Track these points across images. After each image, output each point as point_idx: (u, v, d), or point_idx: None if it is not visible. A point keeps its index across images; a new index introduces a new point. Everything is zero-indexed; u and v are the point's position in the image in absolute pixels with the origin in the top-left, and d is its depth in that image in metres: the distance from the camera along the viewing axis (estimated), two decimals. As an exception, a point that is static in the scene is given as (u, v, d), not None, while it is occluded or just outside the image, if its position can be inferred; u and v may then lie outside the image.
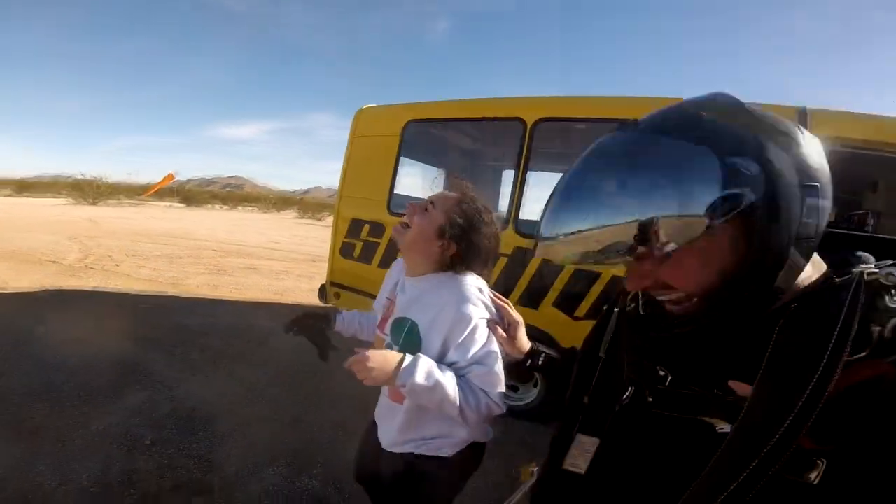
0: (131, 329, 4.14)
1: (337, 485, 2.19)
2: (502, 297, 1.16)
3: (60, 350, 3.50)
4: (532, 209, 3.02)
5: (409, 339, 1.17)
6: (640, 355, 0.58)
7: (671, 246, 0.44)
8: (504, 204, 3.14)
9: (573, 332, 2.71)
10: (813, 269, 0.49)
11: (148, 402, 2.84)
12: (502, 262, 2.87)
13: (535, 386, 3.07)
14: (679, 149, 0.44)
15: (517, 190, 3.05)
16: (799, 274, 0.47)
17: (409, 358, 1.04)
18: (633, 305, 0.62)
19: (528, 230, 2.93)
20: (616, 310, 0.67)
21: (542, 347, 1.06)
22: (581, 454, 0.61)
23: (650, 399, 0.56)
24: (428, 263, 1.19)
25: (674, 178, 0.43)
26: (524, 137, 3.03)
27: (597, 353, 0.68)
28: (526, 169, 3.04)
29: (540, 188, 3.31)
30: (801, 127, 0.47)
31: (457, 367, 1.10)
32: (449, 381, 1.05)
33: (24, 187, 26.79)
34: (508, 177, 3.99)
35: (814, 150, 0.46)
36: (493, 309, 1.14)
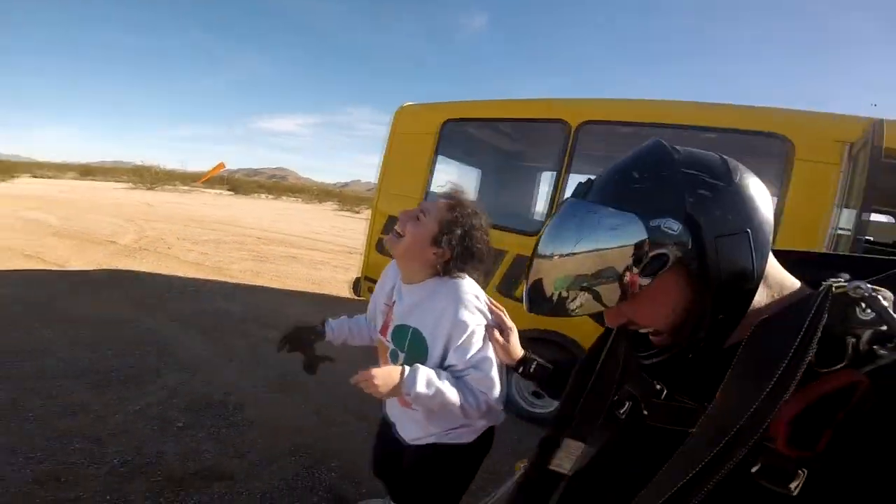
0: (175, 312, 4.34)
1: (354, 479, 2.21)
2: (498, 305, 1.19)
3: (105, 330, 3.69)
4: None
5: (413, 345, 1.22)
6: (640, 369, 0.60)
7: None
8: (541, 206, 3.05)
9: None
10: (788, 289, 0.53)
11: (184, 386, 2.94)
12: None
13: (561, 395, 2.99)
14: (612, 217, 0.50)
15: (556, 193, 2.98)
16: (750, 303, 0.50)
17: (408, 369, 1.10)
18: None
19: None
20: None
21: (533, 356, 1.08)
22: (567, 456, 0.68)
23: (646, 412, 0.59)
24: (424, 270, 1.23)
25: (611, 243, 0.49)
26: (567, 140, 2.94)
27: (595, 364, 0.72)
28: (568, 172, 2.95)
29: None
30: (736, 170, 0.51)
31: (454, 370, 1.17)
32: (448, 385, 1.12)
33: (87, 172, 28.44)
34: (546, 179, 3.89)
35: (745, 194, 0.49)
36: (490, 315, 1.17)
